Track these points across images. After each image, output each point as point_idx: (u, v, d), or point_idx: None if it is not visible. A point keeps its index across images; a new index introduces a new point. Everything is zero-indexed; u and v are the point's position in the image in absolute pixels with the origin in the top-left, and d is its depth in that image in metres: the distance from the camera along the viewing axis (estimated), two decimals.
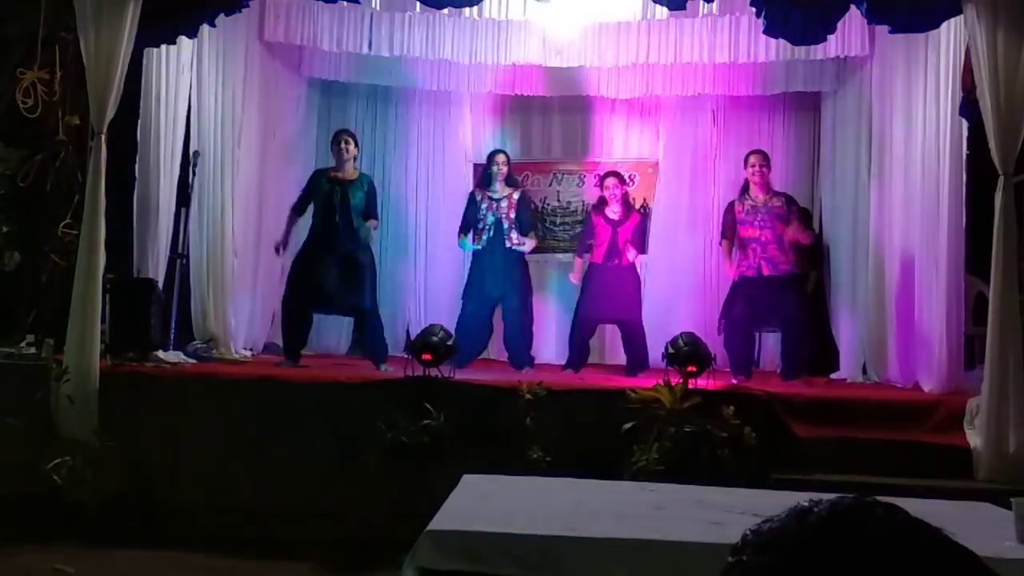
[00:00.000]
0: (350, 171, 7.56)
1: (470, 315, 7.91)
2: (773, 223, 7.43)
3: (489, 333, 8.19)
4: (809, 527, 0.92)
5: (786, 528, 0.93)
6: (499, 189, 7.91)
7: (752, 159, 7.57)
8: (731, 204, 7.69)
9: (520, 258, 7.93)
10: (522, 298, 7.90)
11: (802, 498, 0.99)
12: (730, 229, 7.62)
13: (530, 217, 8.23)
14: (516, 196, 7.96)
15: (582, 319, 7.88)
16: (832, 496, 0.96)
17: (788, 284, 7.46)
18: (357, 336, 8.31)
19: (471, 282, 8.02)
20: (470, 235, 7.88)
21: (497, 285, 7.84)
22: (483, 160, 8.41)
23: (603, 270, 7.78)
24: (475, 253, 7.99)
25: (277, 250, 7.65)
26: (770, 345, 8.31)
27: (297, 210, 7.64)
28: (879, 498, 0.95)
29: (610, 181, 7.91)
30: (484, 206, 7.88)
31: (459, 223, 8.05)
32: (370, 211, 7.56)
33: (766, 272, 7.38)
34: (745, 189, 7.60)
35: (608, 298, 7.75)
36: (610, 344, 8.67)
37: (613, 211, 7.82)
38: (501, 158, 7.98)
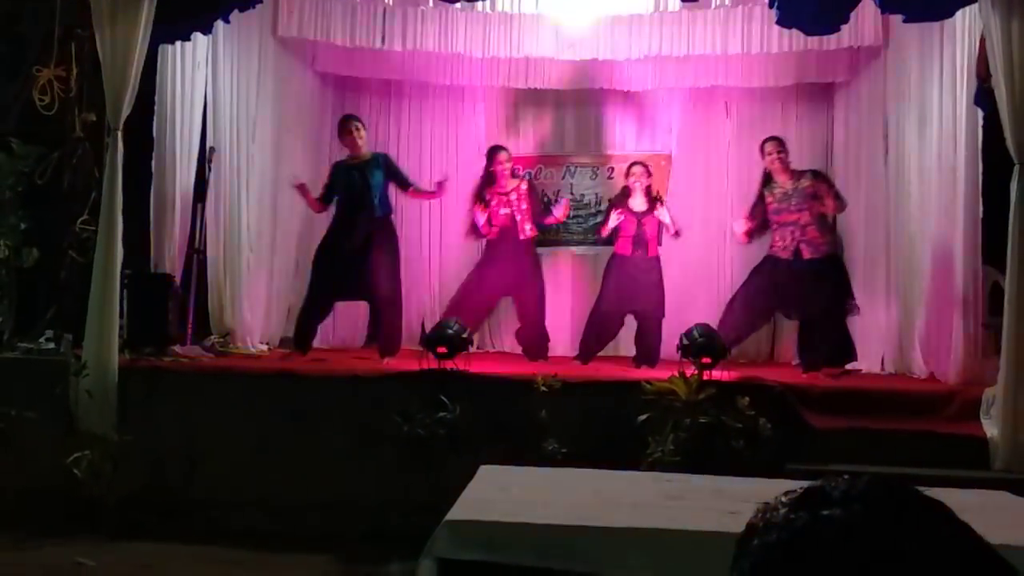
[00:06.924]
0: (365, 153, 7.56)
1: (474, 304, 7.87)
2: (809, 203, 7.19)
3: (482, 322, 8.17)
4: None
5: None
6: (506, 184, 7.89)
7: (768, 147, 7.37)
8: (761, 195, 7.39)
9: (532, 251, 7.92)
10: (537, 291, 7.89)
11: None
12: (759, 213, 7.35)
13: (542, 203, 8.24)
14: (524, 187, 7.95)
15: (604, 311, 7.77)
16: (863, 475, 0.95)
17: (826, 268, 7.22)
18: (373, 324, 8.11)
19: (481, 272, 7.96)
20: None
21: (510, 278, 7.83)
22: None
23: (628, 262, 7.70)
24: (488, 246, 7.96)
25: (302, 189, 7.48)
26: (785, 335, 8.30)
27: (323, 200, 7.53)
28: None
29: (637, 169, 7.82)
30: (494, 202, 7.86)
31: (467, 224, 8.07)
32: (401, 183, 7.58)
33: (807, 256, 7.15)
34: (769, 178, 7.37)
35: (632, 289, 7.67)
36: (622, 336, 8.65)
37: (637, 202, 7.73)
38: (504, 156, 7.91)
